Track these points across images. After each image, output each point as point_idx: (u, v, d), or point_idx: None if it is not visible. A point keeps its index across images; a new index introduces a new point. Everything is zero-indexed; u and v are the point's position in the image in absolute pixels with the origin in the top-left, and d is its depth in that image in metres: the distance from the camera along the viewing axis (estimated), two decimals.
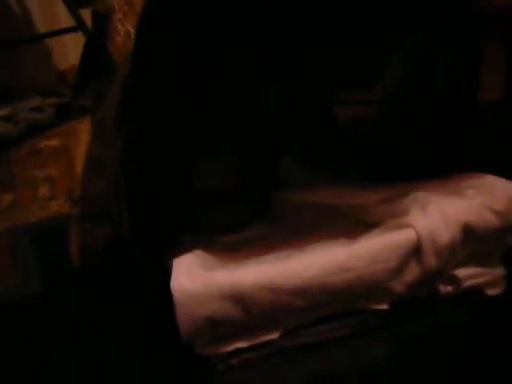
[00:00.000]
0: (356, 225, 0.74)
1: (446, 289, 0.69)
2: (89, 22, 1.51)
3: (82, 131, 1.02)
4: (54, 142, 1.30)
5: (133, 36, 0.70)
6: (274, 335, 0.63)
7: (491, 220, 0.68)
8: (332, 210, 0.80)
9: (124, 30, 0.73)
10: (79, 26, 1.60)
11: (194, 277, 0.60)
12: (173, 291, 0.58)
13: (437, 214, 0.66)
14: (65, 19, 1.72)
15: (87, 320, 0.73)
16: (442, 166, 0.78)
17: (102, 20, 0.80)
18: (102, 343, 0.70)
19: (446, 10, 0.78)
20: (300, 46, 0.83)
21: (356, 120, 0.95)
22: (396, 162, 0.83)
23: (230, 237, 0.77)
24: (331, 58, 0.86)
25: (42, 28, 1.83)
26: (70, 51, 1.82)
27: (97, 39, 0.82)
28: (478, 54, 0.84)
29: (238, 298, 0.59)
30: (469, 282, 0.70)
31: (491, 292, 0.71)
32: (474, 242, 0.68)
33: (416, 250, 0.65)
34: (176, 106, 0.74)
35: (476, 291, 0.71)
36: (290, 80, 0.89)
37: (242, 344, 0.62)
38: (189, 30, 0.68)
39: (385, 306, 0.67)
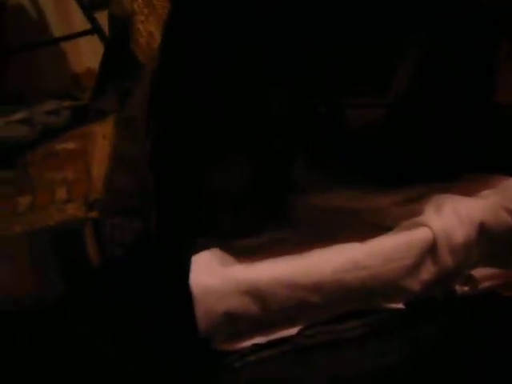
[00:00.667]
0: (372, 228, 0.75)
1: (462, 289, 0.70)
2: (104, 25, 1.53)
3: (99, 135, 1.03)
4: (70, 145, 1.31)
5: (155, 37, 0.71)
6: (291, 332, 0.64)
7: (506, 219, 0.68)
8: (348, 213, 0.81)
9: (146, 31, 0.74)
10: (94, 29, 1.61)
11: (213, 272, 0.60)
12: (192, 287, 0.59)
13: (452, 213, 0.67)
14: (80, 22, 1.73)
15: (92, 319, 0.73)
16: (454, 169, 0.79)
17: (122, 23, 0.81)
18: (103, 343, 0.70)
19: (449, 7, 0.78)
20: (305, 44, 0.84)
21: (364, 121, 0.95)
22: (406, 165, 0.84)
23: (246, 241, 0.78)
24: (336, 57, 0.87)
25: (56, 31, 1.85)
26: (84, 54, 1.84)
27: (117, 42, 0.83)
28: (487, 54, 0.84)
29: (256, 294, 0.60)
30: (485, 283, 0.70)
31: (507, 293, 0.71)
32: (489, 242, 0.68)
33: (431, 249, 0.65)
34: (193, 105, 0.75)
35: (492, 292, 0.71)
36: (296, 79, 0.90)
37: (259, 340, 0.63)
38: (206, 28, 0.69)
39: (401, 306, 0.67)
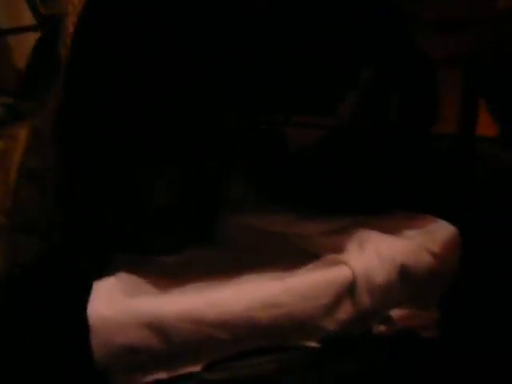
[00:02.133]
0: (296, 254, 0.73)
1: (379, 328, 0.68)
2: None
3: (21, 138, 0.98)
4: None
5: None
6: (196, 368, 0.60)
7: (429, 262, 0.67)
8: (277, 237, 0.78)
9: None
10: (41, 25, 1.55)
11: (113, 303, 0.56)
12: (89, 316, 0.55)
13: (373, 253, 0.65)
14: (30, 17, 1.67)
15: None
16: (383, 202, 0.78)
17: (55, 22, 0.78)
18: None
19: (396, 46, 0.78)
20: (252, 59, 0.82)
21: (304, 142, 0.93)
22: (338, 192, 0.82)
23: (167, 257, 0.75)
24: (282, 75, 0.85)
25: (3, 24, 1.78)
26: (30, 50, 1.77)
27: (46, 42, 0.79)
28: (430, 87, 0.84)
29: (158, 327, 0.56)
30: (402, 323, 0.68)
31: (425, 334, 0.70)
32: (410, 283, 0.67)
33: (350, 289, 0.64)
34: (115, 117, 0.72)
35: (410, 333, 0.69)
36: (244, 101, 0.88)
37: (161, 375, 0.59)
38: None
39: (315, 344, 0.64)
